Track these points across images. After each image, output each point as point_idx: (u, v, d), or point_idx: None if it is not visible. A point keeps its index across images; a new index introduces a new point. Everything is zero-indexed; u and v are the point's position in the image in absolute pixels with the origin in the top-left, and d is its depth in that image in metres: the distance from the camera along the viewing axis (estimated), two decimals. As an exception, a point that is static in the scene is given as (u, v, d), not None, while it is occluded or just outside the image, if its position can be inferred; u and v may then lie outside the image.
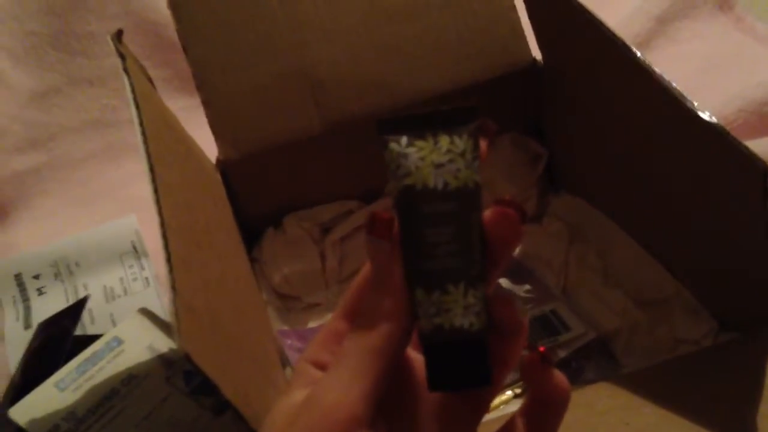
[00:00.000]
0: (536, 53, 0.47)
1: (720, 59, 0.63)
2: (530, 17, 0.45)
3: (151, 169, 0.28)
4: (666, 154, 0.36)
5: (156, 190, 0.27)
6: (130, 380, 0.39)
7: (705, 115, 0.30)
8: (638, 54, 0.33)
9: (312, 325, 0.45)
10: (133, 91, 0.32)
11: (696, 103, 0.30)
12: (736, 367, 0.31)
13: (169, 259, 0.25)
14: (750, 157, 0.27)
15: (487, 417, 0.23)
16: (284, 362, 0.41)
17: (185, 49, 0.43)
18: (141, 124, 0.30)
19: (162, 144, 0.32)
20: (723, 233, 0.34)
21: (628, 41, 0.62)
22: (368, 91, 0.46)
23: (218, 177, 0.43)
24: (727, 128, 0.54)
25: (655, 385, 0.31)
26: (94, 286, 0.47)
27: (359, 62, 0.46)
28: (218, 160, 0.44)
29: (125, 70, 0.33)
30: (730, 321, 0.36)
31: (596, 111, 0.41)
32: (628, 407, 0.30)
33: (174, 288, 0.24)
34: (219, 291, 0.30)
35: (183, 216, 0.29)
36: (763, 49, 0.64)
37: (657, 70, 0.33)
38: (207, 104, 0.43)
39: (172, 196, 0.29)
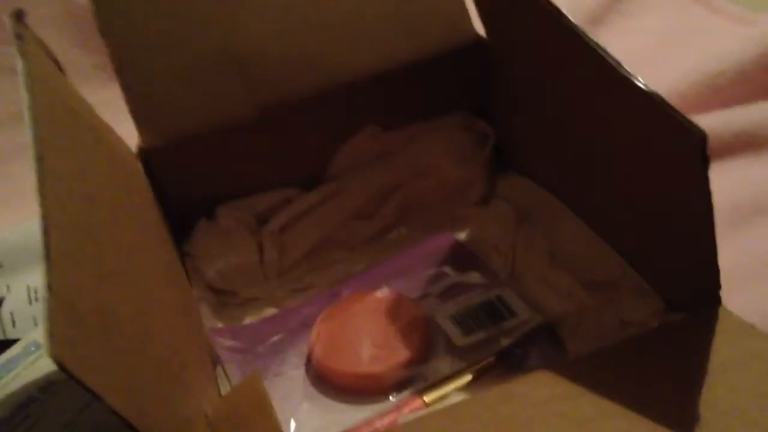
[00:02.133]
0: (481, 29, 0.45)
1: (675, 32, 0.62)
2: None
3: (39, 158, 0.26)
4: (607, 130, 0.34)
5: (41, 180, 0.25)
6: (48, 387, 0.36)
7: (640, 84, 0.28)
8: (579, 28, 0.31)
9: (248, 320, 0.42)
10: (27, 74, 0.29)
11: (632, 72, 0.28)
12: (681, 348, 0.30)
13: (47, 255, 0.22)
14: (686, 125, 0.25)
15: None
16: (216, 362, 0.39)
17: (101, 30, 0.41)
18: (31, 109, 0.28)
19: (60, 131, 0.30)
20: (666, 210, 0.32)
21: (582, 18, 0.61)
22: (302, 71, 0.43)
23: (138, 166, 0.40)
24: (682, 102, 0.54)
25: (597, 371, 0.29)
26: (16, 287, 0.45)
27: (292, 39, 0.43)
28: (140, 149, 0.41)
29: (21, 52, 0.31)
30: (677, 301, 0.34)
31: (540, 90, 0.39)
32: (566, 397, 0.28)
33: (50, 287, 0.21)
34: (120, 290, 0.27)
35: (77, 208, 0.27)
36: (719, 19, 0.62)
37: (596, 41, 0.31)
38: (127, 88, 0.41)
39: (65, 187, 0.27)
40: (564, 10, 0.60)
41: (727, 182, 0.49)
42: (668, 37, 0.61)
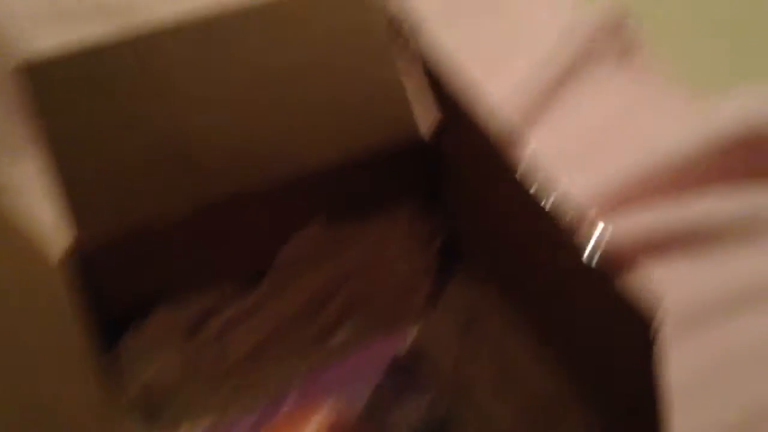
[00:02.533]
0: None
1: (625, 111, 0.62)
2: (417, 91, 0.41)
3: None
4: (551, 272, 0.33)
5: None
6: None
7: (591, 256, 0.26)
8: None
9: (183, 429, 0.40)
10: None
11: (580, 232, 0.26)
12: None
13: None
14: (640, 310, 0.24)
15: None
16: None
17: (37, 125, 0.38)
18: None
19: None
20: (614, 374, 0.31)
21: (532, 95, 0.61)
22: (248, 164, 0.41)
23: (58, 270, 0.38)
24: (632, 190, 0.53)
25: None
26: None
27: (236, 133, 0.41)
28: (69, 249, 0.38)
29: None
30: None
31: (484, 197, 0.38)
32: None
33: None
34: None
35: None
36: (668, 99, 0.63)
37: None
38: (60, 185, 0.38)
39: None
40: (513, 89, 0.62)
41: (681, 280, 0.49)
42: (618, 116, 0.61)
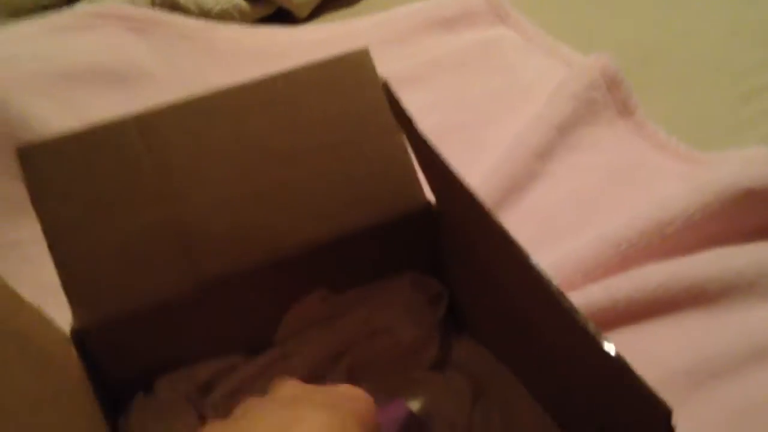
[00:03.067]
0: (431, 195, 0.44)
1: (621, 169, 0.62)
2: (418, 163, 0.42)
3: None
4: (562, 365, 0.33)
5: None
6: None
7: (606, 346, 0.26)
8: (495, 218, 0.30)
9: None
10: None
11: (592, 326, 0.26)
12: None
13: None
14: (651, 398, 0.24)
15: None
16: None
17: (34, 203, 0.38)
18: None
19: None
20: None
21: (529, 152, 0.61)
22: (248, 242, 0.41)
23: (69, 349, 0.38)
24: (633, 251, 0.54)
25: None
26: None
27: (237, 211, 0.41)
28: (73, 330, 0.38)
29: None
30: None
31: (483, 267, 0.39)
32: None
33: None
34: None
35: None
36: (663, 157, 0.63)
37: (538, 267, 0.29)
38: (60, 266, 0.38)
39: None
40: (510, 145, 0.62)
41: (680, 342, 0.49)
42: (615, 175, 0.62)
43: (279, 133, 0.42)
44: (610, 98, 0.66)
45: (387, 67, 0.44)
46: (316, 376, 0.44)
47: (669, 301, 0.51)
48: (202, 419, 0.42)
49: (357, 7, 0.88)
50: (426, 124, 0.35)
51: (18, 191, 0.41)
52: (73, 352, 0.38)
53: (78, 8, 0.75)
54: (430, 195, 0.44)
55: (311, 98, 0.42)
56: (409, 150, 0.42)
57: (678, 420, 0.26)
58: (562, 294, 0.27)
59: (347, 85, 0.42)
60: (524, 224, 0.57)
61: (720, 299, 0.50)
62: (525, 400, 0.40)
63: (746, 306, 0.50)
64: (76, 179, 0.39)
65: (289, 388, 0.30)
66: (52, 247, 0.38)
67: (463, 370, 0.43)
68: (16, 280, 0.57)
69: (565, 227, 0.58)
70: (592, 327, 0.26)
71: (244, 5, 0.82)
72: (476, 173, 0.60)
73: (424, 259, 0.46)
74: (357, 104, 0.42)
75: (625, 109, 0.66)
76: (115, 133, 0.39)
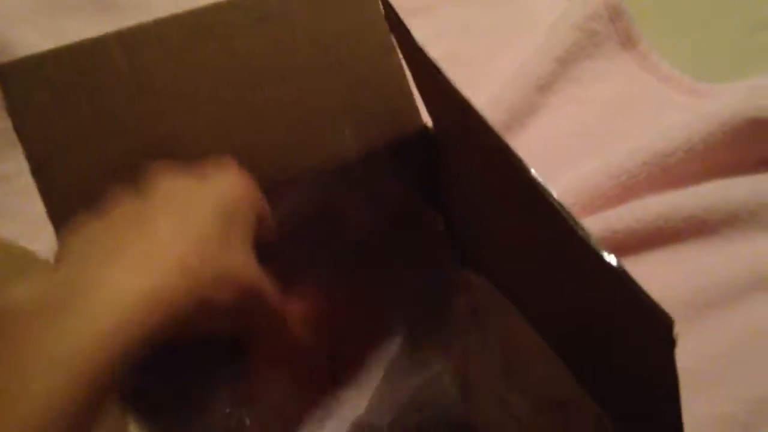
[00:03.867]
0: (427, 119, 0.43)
1: (624, 102, 0.61)
2: (416, 84, 0.40)
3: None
4: (561, 282, 0.32)
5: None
6: None
7: (610, 260, 0.25)
8: (499, 135, 0.29)
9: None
10: None
11: (586, 230, 0.25)
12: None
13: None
14: (654, 309, 0.23)
15: None
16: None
17: (16, 128, 0.37)
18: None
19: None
20: (628, 376, 0.30)
21: (530, 85, 0.60)
22: (239, 164, 0.40)
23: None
24: (633, 182, 0.53)
25: None
26: None
27: (227, 133, 0.40)
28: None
29: None
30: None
31: (482, 190, 0.37)
32: None
33: None
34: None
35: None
36: (667, 89, 0.62)
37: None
38: (44, 192, 0.37)
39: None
40: (511, 77, 0.60)
41: (679, 273, 0.48)
42: (617, 106, 0.60)
43: (271, 52, 0.40)
44: (613, 29, 0.64)
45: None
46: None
47: (669, 232, 0.50)
48: None
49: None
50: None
51: (4, 123, 0.40)
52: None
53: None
54: (427, 119, 0.42)
55: (306, 16, 0.40)
56: (407, 72, 0.41)
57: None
58: (562, 206, 0.26)
59: (344, 3, 0.40)
60: (524, 156, 0.56)
61: (721, 229, 0.49)
62: (524, 329, 0.39)
63: (747, 236, 0.49)
64: (58, 100, 0.37)
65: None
66: (35, 173, 0.37)
67: (462, 300, 0.43)
68: (8, 213, 0.56)
69: (565, 159, 0.56)
70: (593, 240, 0.25)
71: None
72: (477, 105, 0.59)
73: (422, 188, 0.45)
74: (354, 22, 0.40)
75: (628, 41, 0.64)
76: (96, 51, 0.38)
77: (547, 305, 0.36)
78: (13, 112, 0.37)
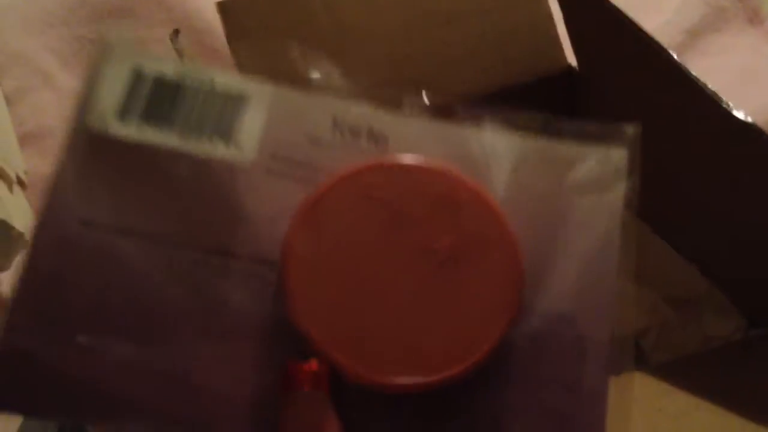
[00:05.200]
0: (572, 61, 0.48)
1: (751, 73, 0.64)
2: (566, 23, 0.46)
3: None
4: (700, 157, 0.37)
5: None
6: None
7: (740, 115, 0.31)
8: (674, 56, 0.34)
9: None
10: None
11: (731, 104, 0.31)
12: (764, 360, 0.32)
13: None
14: None
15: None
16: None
17: (234, 53, 0.45)
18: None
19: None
20: (757, 237, 0.35)
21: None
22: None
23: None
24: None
25: (685, 375, 0.32)
26: None
27: (396, 67, 0.47)
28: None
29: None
30: (760, 319, 0.37)
31: (627, 116, 0.43)
32: (659, 395, 0.31)
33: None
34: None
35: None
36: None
37: (692, 72, 0.34)
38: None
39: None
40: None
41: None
42: (743, 77, 0.64)
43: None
44: (741, 6, 0.68)
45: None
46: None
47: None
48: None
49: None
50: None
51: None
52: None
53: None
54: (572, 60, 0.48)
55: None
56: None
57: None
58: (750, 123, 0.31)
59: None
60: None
61: None
62: (655, 241, 0.43)
63: None
64: (265, 33, 0.46)
65: None
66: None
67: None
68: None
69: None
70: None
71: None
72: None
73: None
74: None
75: (755, 17, 0.67)
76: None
77: (678, 212, 0.41)
78: (231, 41, 0.45)
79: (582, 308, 0.26)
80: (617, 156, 0.28)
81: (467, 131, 0.28)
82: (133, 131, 0.26)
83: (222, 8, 0.46)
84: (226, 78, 0.28)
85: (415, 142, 0.27)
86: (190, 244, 0.25)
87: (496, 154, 0.28)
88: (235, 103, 0.27)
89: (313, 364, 0.22)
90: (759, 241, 0.34)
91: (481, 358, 0.24)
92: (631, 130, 0.29)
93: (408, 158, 0.26)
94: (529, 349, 0.25)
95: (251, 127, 0.27)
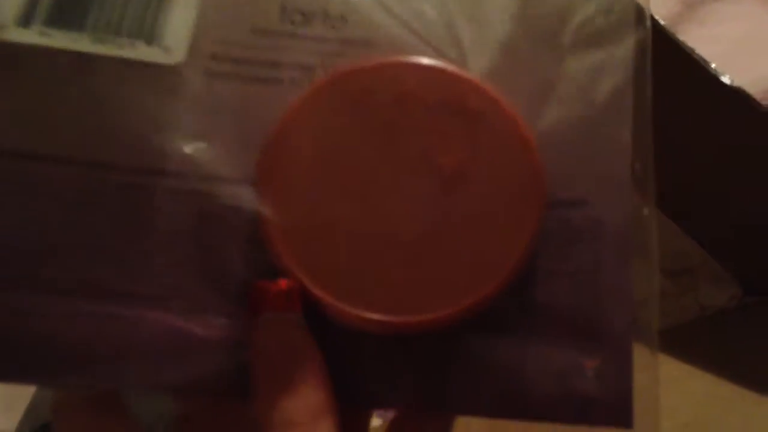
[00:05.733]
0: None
1: (749, 40, 0.63)
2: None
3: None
4: (690, 122, 0.36)
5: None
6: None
7: (726, 80, 0.31)
8: (660, 21, 0.34)
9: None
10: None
11: (718, 69, 0.30)
12: (759, 326, 0.32)
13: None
14: None
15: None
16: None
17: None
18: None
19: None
20: (749, 203, 0.34)
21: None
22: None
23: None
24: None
25: (681, 343, 0.32)
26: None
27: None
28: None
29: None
30: (754, 287, 0.37)
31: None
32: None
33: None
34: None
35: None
36: (793, 30, 0.64)
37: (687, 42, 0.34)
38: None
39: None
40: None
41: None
42: (742, 44, 0.63)
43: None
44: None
45: None
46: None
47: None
48: None
49: None
50: None
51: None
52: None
53: None
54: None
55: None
56: None
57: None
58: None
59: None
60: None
61: None
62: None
63: None
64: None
65: None
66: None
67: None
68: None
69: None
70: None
71: None
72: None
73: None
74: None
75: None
76: None
77: (672, 181, 0.41)
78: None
79: (594, 190, 0.22)
80: (622, 2, 0.24)
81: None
82: (35, 37, 0.23)
83: None
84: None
85: (379, 21, 0.24)
86: (114, 164, 0.22)
87: (476, 19, 0.24)
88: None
89: (282, 283, 0.19)
90: (756, 210, 0.34)
91: (501, 285, 0.20)
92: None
93: (404, 58, 0.22)
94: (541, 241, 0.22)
95: (179, 24, 0.24)
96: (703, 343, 0.32)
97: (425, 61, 0.22)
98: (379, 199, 0.21)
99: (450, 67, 0.22)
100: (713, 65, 0.31)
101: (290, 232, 0.20)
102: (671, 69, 0.35)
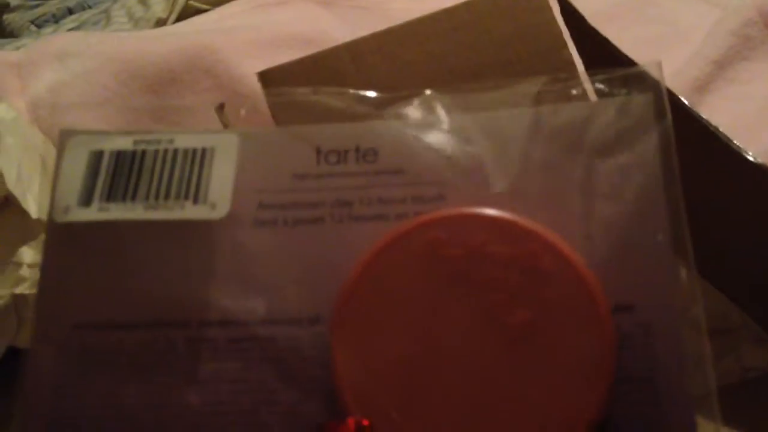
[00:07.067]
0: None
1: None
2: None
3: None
4: (718, 195, 0.38)
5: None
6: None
7: (749, 156, 0.32)
8: (683, 100, 0.36)
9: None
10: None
11: (741, 145, 0.32)
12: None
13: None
14: None
15: None
16: None
17: (274, 117, 0.48)
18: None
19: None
20: None
21: (687, 86, 0.65)
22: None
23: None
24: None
25: (721, 406, 0.33)
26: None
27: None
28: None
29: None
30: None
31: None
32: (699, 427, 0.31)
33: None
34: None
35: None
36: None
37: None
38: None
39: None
40: (668, 80, 0.66)
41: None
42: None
43: (461, 54, 0.49)
44: (767, 34, 0.68)
45: None
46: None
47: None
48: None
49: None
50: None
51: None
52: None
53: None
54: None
55: (488, 22, 0.49)
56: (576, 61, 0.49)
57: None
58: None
59: (520, 10, 0.49)
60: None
61: None
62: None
63: None
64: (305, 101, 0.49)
65: None
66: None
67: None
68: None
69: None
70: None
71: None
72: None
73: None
74: (529, 25, 0.49)
75: (783, 43, 0.68)
76: (331, 58, 0.49)
77: (706, 245, 0.42)
78: (272, 106, 0.49)
79: (640, 294, 0.22)
80: (640, 101, 0.24)
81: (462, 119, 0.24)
82: (95, 213, 0.25)
83: (262, 77, 0.49)
84: (188, 135, 0.26)
85: (409, 149, 0.24)
86: (182, 320, 0.23)
87: (500, 135, 0.25)
88: (199, 159, 0.26)
89: (351, 423, 0.20)
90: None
91: None
92: (652, 68, 0.25)
93: (476, 209, 0.22)
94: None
95: (221, 180, 0.25)
96: (745, 407, 0.32)
97: (496, 213, 0.22)
98: (446, 352, 0.21)
99: (521, 220, 0.22)
100: (736, 142, 0.32)
101: (360, 377, 0.21)
102: (695, 145, 0.36)
